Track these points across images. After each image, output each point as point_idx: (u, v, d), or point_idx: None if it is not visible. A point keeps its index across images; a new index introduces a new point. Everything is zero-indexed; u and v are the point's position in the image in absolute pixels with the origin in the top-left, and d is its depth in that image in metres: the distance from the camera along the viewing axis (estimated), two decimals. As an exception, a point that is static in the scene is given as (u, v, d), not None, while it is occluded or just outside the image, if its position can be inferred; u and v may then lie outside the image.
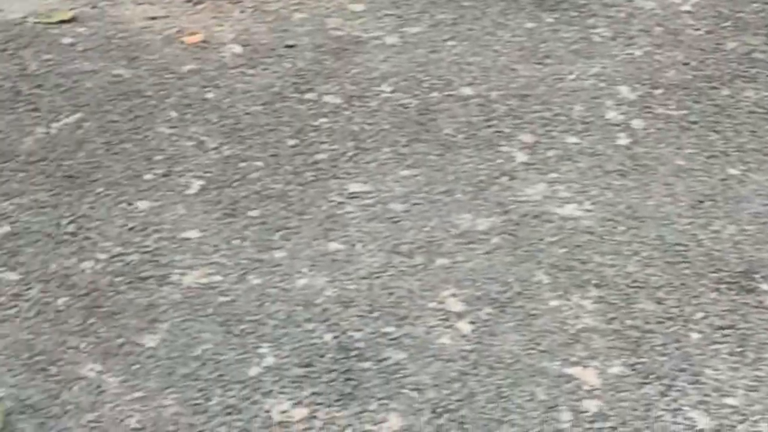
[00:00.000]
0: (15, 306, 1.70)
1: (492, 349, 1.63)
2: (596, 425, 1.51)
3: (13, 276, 1.76)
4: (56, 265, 1.77)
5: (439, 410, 1.54)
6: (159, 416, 1.54)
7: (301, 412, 1.55)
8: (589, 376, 1.58)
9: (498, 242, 1.81)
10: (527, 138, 2.03)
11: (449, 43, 2.27)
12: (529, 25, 2.33)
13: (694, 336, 1.63)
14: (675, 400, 1.54)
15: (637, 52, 2.27)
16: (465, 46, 2.27)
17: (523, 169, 1.96)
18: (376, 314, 1.69)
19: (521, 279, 1.74)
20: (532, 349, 1.62)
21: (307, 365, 1.61)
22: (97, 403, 1.56)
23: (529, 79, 2.18)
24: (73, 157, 1.98)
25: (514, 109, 2.10)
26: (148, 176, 1.95)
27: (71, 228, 1.85)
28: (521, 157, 1.99)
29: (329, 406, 1.56)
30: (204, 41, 2.29)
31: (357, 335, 1.65)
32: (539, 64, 2.23)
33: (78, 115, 2.07)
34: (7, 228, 1.84)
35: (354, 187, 1.93)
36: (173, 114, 2.08)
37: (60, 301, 1.71)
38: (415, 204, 1.89)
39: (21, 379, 1.59)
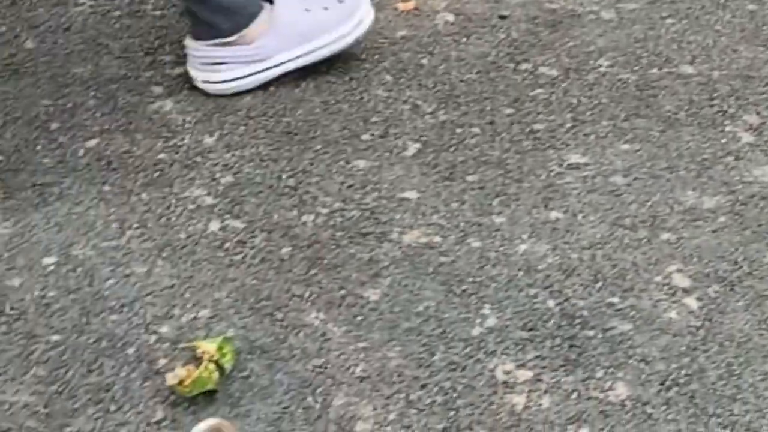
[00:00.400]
0: (241, 252, 1.79)
1: (722, 327, 1.63)
2: (834, 410, 1.51)
3: (238, 224, 1.84)
4: (278, 216, 1.86)
5: (668, 383, 1.56)
6: (383, 367, 1.60)
7: (525, 374, 1.59)
8: (825, 360, 1.58)
9: (725, 221, 1.81)
10: (752, 119, 2.02)
11: (668, 20, 2.27)
12: (751, 7, 2.31)
13: None
14: None
15: None
16: (684, 25, 2.27)
17: (749, 150, 1.95)
18: (599, 284, 1.71)
19: (750, 259, 1.74)
20: (765, 329, 1.62)
21: (531, 329, 1.65)
22: (322, 349, 1.63)
23: (753, 60, 2.17)
24: (292, 114, 2.06)
25: (738, 89, 2.09)
26: (365, 136, 2.01)
27: (291, 182, 1.92)
28: (747, 137, 1.98)
29: (554, 370, 1.59)
30: (416, 9, 2.34)
31: (580, 303, 1.68)
32: (762, 46, 2.21)
33: (294, 75, 2.16)
34: (230, 178, 1.93)
35: (573, 159, 1.95)
36: (388, 78, 2.15)
37: (283, 251, 1.79)
38: (636, 178, 1.91)
39: (248, 322, 1.67)
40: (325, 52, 2.12)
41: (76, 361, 1.62)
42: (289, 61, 2.11)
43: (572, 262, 1.76)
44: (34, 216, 1.86)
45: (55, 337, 1.65)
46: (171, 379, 1.56)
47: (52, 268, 1.77)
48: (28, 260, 1.78)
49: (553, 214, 1.85)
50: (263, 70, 2.10)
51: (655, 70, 2.16)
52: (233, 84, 2.10)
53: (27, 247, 1.80)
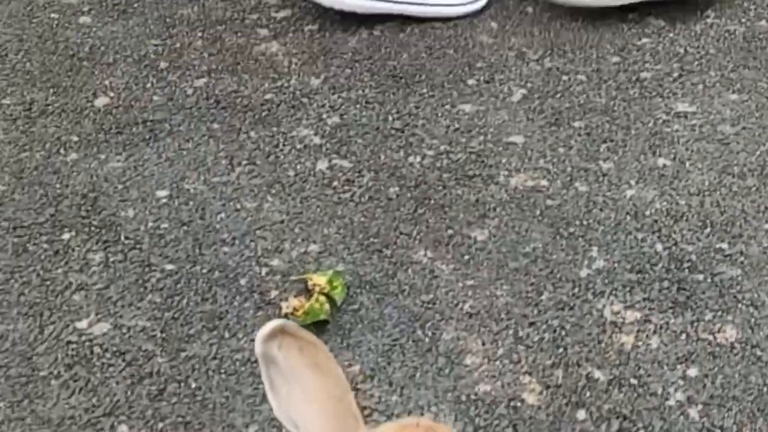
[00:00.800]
0: (349, 191, 1.84)
1: (833, 275, 1.66)
2: None
3: (345, 163, 1.90)
4: (385, 157, 1.91)
5: (777, 327, 1.59)
6: (491, 305, 1.65)
7: (633, 315, 1.62)
8: None
9: (836, 172, 1.83)
10: None
11: (777, -27, 2.29)
12: None
13: None
14: None
15: None
16: (793, -22, 2.27)
17: None
18: (708, 230, 1.74)
19: None
20: None
21: (639, 272, 1.68)
22: (431, 286, 1.68)
23: None
24: (397, 58, 2.11)
25: None
26: (470, 81, 2.05)
27: (398, 124, 1.97)
28: None
29: (662, 312, 1.62)
30: (520, -43, 2.37)
31: (689, 248, 1.71)
32: None
33: (399, 19, 2.20)
34: (337, 119, 1.98)
35: (680, 107, 1.98)
36: (493, 25, 2.18)
37: (391, 190, 1.84)
38: (745, 128, 1.92)
39: (357, 258, 1.73)
40: (446, 12, 2.18)
41: (190, 289, 1.69)
42: (409, 3, 2.16)
43: (680, 208, 1.79)
44: (146, 151, 1.94)
45: (170, 267, 1.73)
46: (285, 308, 1.62)
47: (164, 200, 1.84)
48: (141, 193, 1.85)
49: (661, 161, 1.88)
50: (385, 0, 2.16)
51: (762, 23, 2.16)
52: (356, 1, 2.15)
53: (140, 180, 1.88)
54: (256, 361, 1.56)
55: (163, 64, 2.12)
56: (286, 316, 1.61)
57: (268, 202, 1.83)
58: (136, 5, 2.26)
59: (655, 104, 1.98)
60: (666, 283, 1.66)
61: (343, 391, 1.04)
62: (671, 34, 2.13)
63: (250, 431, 1.47)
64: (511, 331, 1.61)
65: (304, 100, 2.03)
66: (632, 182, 1.83)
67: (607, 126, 1.94)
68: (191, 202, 1.83)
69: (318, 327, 1.62)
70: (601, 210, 1.79)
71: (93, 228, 1.78)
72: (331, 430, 1.02)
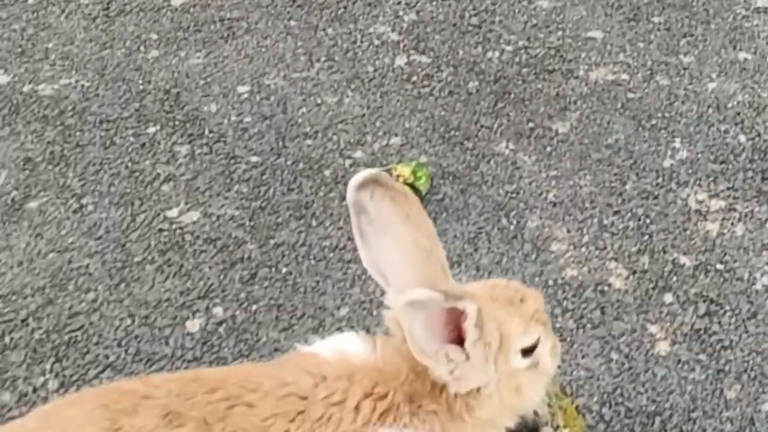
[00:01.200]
0: (428, 85, 1.87)
1: None
2: None
3: (424, 59, 1.93)
4: (463, 53, 1.93)
5: None
6: (575, 194, 1.68)
7: (718, 204, 1.65)
8: None
9: None
10: None
11: None
12: None
13: None
14: None
15: None
16: None
17: None
18: (791, 121, 1.77)
19: None
20: None
21: (722, 162, 1.71)
22: (513, 176, 1.72)
23: None
24: (472, -44, 2.13)
25: None
26: (547, -22, 2.07)
27: (475, 20, 2.00)
28: None
29: (747, 200, 1.65)
30: None
31: (772, 139, 1.74)
32: None
33: None
34: (413, 16, 2.01)
35: (760, 2, 1.99)
36: None
37: (470, 85, 1.87)
38: (827, 22, 1.94)
39: (440, 150, 1.77)
40: None
41: (276, 180, 1.73)
42: None
43: (763, 100, 1.80)
44: (225, 48, 1.97)
45: (255, 158, 1.77)
46: (372, 196, 1.66)
47: (246, 96, 1.88)
48: (223, 88, 1.89)
49: (742, 55, 1.89)
50: None
51: None
52: None
53: (220, 76, 1.92)
54: (344, 248, 1.61)
55: (237, -36, 2.15)
56: (373, 203, 1.65)
57: (349, 96, 1.86)
58: None
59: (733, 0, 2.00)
60: (750, 173, 1.69)
61: (433, 243, 1.04)
62: (750, -70, 2.14)
63: (341, 313, 1.53)
64: (595, 220, 1.64)
65: (380, -3, 2.06)
66: (713, 75, 1.85)
67: (686, 21, 1.96)
68: (272, 97, 1.87)
69: (404, 216, 1.66)
70: (683, 103, 1.81)
71: (177, 122, 1.83)
72: (420, 280, 1.02)
